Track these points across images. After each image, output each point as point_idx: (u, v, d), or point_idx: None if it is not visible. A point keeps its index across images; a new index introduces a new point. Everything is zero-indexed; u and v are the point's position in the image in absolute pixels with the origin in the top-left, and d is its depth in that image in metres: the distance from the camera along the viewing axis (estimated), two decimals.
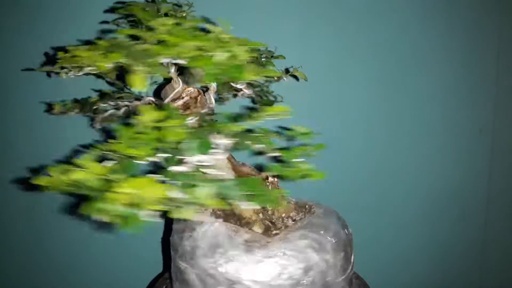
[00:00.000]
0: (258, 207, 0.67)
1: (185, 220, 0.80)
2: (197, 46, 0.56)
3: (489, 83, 1.24)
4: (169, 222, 1.11)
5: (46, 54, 1.07)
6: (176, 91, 0.79)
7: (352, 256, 0.81)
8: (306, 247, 0.73)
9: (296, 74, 0.86)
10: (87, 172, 0.47)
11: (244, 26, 1.04)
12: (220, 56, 0.55)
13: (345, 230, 0.81)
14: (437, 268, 1.38)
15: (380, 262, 1.33)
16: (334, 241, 0.75)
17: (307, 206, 0.85)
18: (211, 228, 0.77)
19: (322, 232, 0.76)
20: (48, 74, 0.97)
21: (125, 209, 0.43)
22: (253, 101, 1.06)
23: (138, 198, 0.43)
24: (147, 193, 0.43)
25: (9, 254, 1.24)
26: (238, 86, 0.84)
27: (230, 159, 0.85)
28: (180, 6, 0.84)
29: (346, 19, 1.14)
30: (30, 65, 1.00)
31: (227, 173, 0.79)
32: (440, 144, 1.26)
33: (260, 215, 0.82)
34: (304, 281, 0.71)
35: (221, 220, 0.79)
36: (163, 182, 0.46)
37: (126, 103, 0.87)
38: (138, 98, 0.88)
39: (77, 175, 0.47)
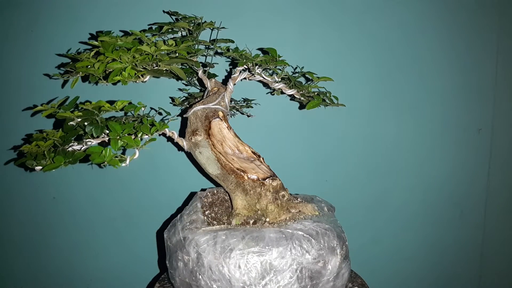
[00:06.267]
0: None
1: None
2: None
3: (488, 84, 1.23)
4: (165, 223, 1.18)
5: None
6: (207, 89, 0.94)
7: None
8: (206, 244, 0.75)
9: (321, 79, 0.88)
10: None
11: (244, 26, 1.09)
12: None
13: (290, 258, 0.73)
14: (436, 268, 1.35)
15: (379, 262, 1.27)
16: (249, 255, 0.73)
17: (298, 217, 0.84)
18: (191, 207, 0.89)
19: (245, 242, 0.74)
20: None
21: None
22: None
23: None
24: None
25: (11, 254, 1.25)
26: (276, 87, 0.90)
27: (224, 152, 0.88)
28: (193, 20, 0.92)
29: (346, 20, 1.14)
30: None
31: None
32: (439, 144, 1.25)
33: (253, 213, 0.85)
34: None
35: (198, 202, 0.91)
36: None
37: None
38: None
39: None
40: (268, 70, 0.88)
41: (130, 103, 0.72)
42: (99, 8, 1.08)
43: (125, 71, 0.71)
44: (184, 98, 1.09)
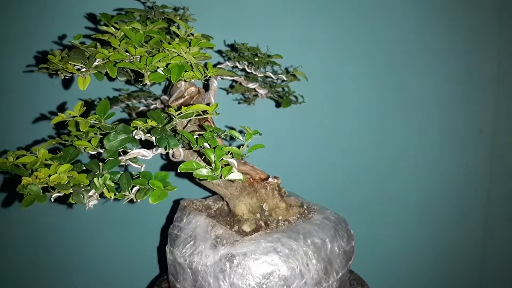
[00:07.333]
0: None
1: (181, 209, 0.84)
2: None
3: (490, 84, 1.23)
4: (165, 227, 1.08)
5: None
6: (178, 90, 0.82)
7: (340, 273, 0.78)
8: (270, 252, 0.72)
9: (296, 73, 0.87)
10: (32, 157, 0.57)
11: (244, 25, 1.08)
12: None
13: (337, 243, 0.78)
14: (437, 268, 1.35)
15: (380, 262, 1.27)
16: (309, 251, 0.74)
17: (306, 210, 0.87)
18: (193, 221, 0.80)
19: (300, 239, 0.75)
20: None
21: (38, 189, 0.52)
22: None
23: (49, 182, 0.52)
24: (55, 179, 0.52)
25: (10, 255, 1.18)
26: (250, 86, 0.83)
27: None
28: (177, 10, 0.85)
29: (348, 19, 1.12)
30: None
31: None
32: (441, 144, 1.25)
33: (258, 215, 0.83)
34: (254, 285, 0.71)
35: (204, 214, 0.81)
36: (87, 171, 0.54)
37: (149, 101, 0.91)
38: (157, 97, 0.90)
39: (25, 159, 0.57)
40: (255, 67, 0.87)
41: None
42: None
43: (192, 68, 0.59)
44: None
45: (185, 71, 0.58)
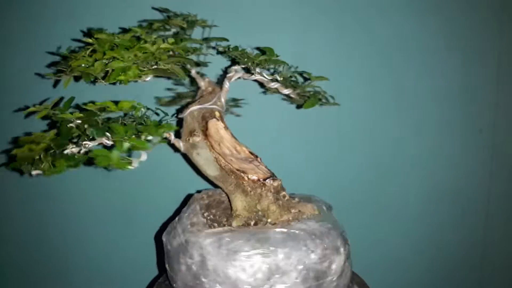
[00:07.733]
0: None
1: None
2: None
3: (490, 83, 1.22)
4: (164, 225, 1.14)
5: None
6: (201, 89, 0.92)
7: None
8: (215, 248, 0.74)
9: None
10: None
11: (243, 25, 1.08)
12: None
13: (297, 258, 0.73)
14: (437, 268, 1.34)
15: (380, 262, 1.26)
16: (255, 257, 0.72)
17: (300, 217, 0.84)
18: (186, 208, 0.89)
19: (249, 242, 0.73)
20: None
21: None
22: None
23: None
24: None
25: (10, 252, 1.24)
26: (271, 86, 0.88)
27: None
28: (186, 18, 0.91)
29: (347, 19, 1.13)
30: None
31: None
32: (440, 144, 1.24)
33: (253, 214, 0.85)
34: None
35: (196, 204, 0.89)
36: None
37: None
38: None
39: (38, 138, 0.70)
40: (267, 69, 0.87)
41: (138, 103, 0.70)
42: (89, 5, 1.04)
43: (129, 71, 0.68)
44: (171, 98, 1.06)
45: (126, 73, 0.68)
